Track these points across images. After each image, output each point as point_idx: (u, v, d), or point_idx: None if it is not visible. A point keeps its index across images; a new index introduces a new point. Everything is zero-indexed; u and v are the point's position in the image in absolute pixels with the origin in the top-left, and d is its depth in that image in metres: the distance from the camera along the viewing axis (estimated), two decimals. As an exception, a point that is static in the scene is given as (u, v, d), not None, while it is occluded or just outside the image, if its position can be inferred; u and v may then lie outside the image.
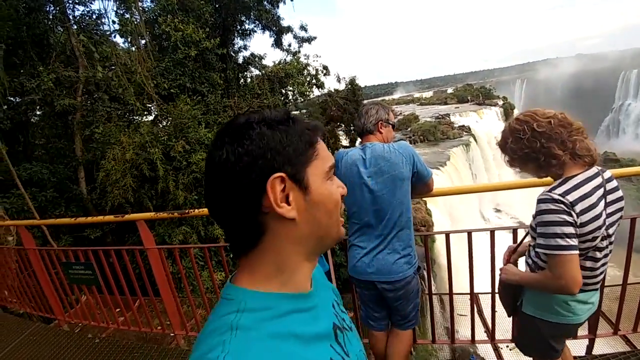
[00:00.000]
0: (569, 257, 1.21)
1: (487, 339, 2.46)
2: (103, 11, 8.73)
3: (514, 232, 2.13)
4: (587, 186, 1.26)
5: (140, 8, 9.80)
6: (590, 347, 2.22)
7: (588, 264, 1.33)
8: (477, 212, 25.61)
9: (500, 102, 48.85)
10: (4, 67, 7.06)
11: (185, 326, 2.88)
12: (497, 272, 2.03)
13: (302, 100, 13.46)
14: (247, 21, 12.18)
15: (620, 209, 1.34)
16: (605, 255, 1.35)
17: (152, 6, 10.66)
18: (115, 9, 8.76)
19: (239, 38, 12.42)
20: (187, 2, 10.25)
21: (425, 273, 2.47)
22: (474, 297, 2.49)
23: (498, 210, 28.42)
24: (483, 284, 2.41)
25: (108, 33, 9.03)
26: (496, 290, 1.90)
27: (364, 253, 1.82)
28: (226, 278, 0.59)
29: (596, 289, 1.40)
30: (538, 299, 1.44)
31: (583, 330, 2.05)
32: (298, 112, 15.81)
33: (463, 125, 37.41)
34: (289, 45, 12.90)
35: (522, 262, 1.61)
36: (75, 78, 8.16)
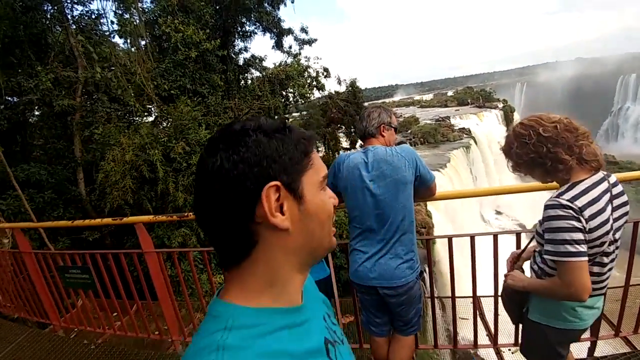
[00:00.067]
0: (578, 264, 1.19)
1: (489, 343, 2.43)
2: (102, 11, 8.64)
3: (517, 236, 2.11)
4: (595, 191, 1.24)
5: (140, 9, 9.80)
6: (592, 349, 2.20)
7: (595, 269, 1.31)
8: (477, 214, 25.61)
9: (501, 105, 48.95)
10: (1, 66, 7.02)
11: (183, 331, 2.84)
12: (500, 277, 2.01)
13: (303, 102, 13.48)
14: (247, 23, 12.21)
15: (626, 214, 1.33)
16: (612, 260, 1.33)
17: (152, 7, 10.68)
18: (114, 9, 8.74)
19: (239, 40, 12.45)
20: (187, 3, 10.25)
21: (427, 277, 2.45)
22: (476, 301, 2.46)
23: (499, 213, 28.42)
24: (484, 287, 2.39)
25: (107, 33, 9.00)
26: (499, 294, 1.88)
27: (365, 258, 1.79)
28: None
29: (602, 294, 1.39)
30: (545, 306, 1.42)
31: (585, 333, 2.03)
32: (299, 113, 15.82)
33: (463, 128, 37.49)
34: (290, 47, 12.94)
35: (526, 267, 1.59)
36: (75, 78, 8.12)
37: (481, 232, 2.33)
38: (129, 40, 9.05)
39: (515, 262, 1.61)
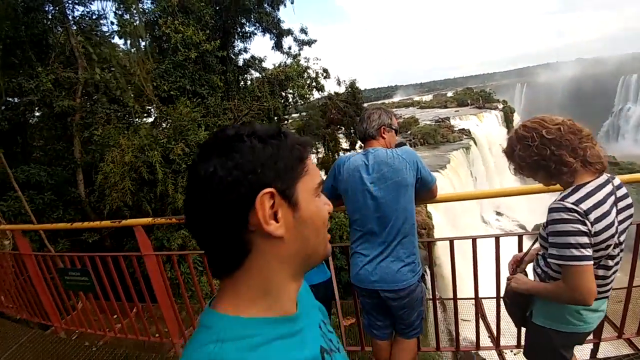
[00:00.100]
0: (584, 268, 1.18)
1: (491, 345, 2.42)
2: (102, 12, 8.62)
3: (519, 238, 2.10)
4: (600, 194, 1.22)
5: (141, 9, 9.80)
6: (594, 351, 2.19)
7: (600, 272, 1.30)
8: (477, 215, 25.59)
9: (500, 106, 48.97)
10: (2, 67, 7.01)
11: (183, 334, 2.83)
12: (502, 278, 2.00)
13: (302, 103, 13.47)
14: (247, 24, 12.20)
15: (631, 216, 1.32)
16: (617, 263, 1.32)
17: (153, 8, 10.67)
18: (114, 10, 8.72)
19: (239, 40, 12.44)
20: (187, 4, 10.25)
21: (428, 279, 2.43)
22: (479, 303, 2.45)
23: (499, 214, 28.41)
24: (485, 289, 2.38)
25: (108, 34, 8.99)
26: (502, 297, 1.87)
27: (366, 261, 1.78)
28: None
29: (607, 297, 1.38)
30: (549, 309, 1.41)
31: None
32: (298, 114, 15.82)
33: (463, 129, 37.53)
34: (289, 48, 12.93)
35: (529, 270, 1.57)
36: (75, 79, 8.11)
37: (482, 233, 2.33)
38: (128, 42, 9.04)
39: (517, 265, 1.60)
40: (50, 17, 8.30)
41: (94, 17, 8.76)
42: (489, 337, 2.58)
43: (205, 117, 9.63)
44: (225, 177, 0.50)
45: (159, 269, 2.64)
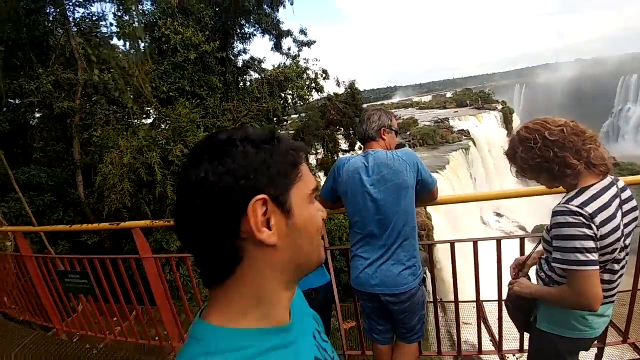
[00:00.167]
0: (590, 273, 1.16)
1: (494, 349, 2.40)
2: (102, 13, 8.64)
3: (521, 241, 2.08)
4: (605, 196, 1.20)
5: (140, 11, 9.80)
6: (599, 356, 2.16)
7: (606, 276, 1.28)
8: (478, 217, 25.56)
9: (500, 107, 48.95)
10: (3, 69, 7.02)
11: (183, 337, 2.81)
12: (504, 281, 1.98)
13: (302, 104, 13.47)
14: (247, 25, 12.20)
15: (636, 219, 1.30)
16: (623, 267, 1.30)
17: (153, 9, 10.67)
18: (114, 11, 8.73)
19: (238, 42, 12.45)
20: (187, 6, 10.25)
21: (429, 281, 2.41)
22: (481, 306, 2.43)
23: (499, 215, 28.37)
24: (486, 292, 2.36)
25: (107, 36, 8.99)
26: (504, 301, 1.84)
27: (367, 264, 1.76)
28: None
29: (613, 302, 1.36)
30: (554, 315, 1.38)
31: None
32: (297, 115, 15.81)
33: (462, 130, 37.52)
34: (289, 49, 12.94)
35: (532, 274, 1.55)
36: (75, 81, 8.12)
37: (482, 234, 2.32)
38: (128, 43, 9.04)
39: (520, 269, 1.57)
40: (51, 19, 8.34)
41: (94, 18, 8.78)
42: (491, 341, 2.56)
43: (205, 119, 9.61)
44: (216, 182, 0.48)
45: (158, 272, 2.63)
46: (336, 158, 14.16)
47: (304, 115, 14.83)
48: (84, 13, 8.69)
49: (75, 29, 8.42)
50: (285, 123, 14.88)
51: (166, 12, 10.12)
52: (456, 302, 2.33)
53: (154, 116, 9.91)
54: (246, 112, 11.04)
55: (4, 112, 7.98)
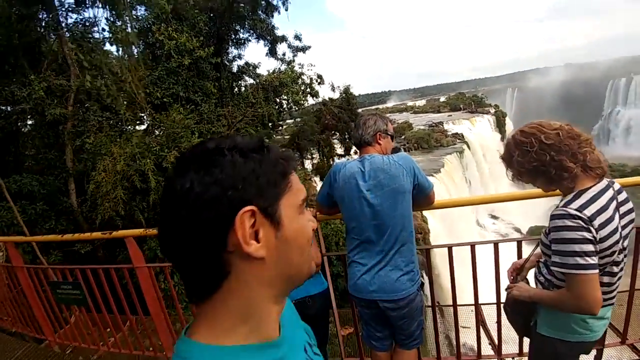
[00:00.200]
0: (589, 277, 1.16)
1: (493, 353, 2.39)
2: (94, 19, 8.59)
3: (519, 244, 2.08)
4: (602, 199, 1.21)
5: (134, 16, 9.77)
6: (598, 357, 2.16)
7: (605, 279, 1.28)
8: (473, 219, 25.65)
9: (492, 110, 49.38)
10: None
11: (177, 347, 2.76)
12: (502, 284, 1.98)
13: (297, 109, 13.48)
14: (241, 30, 12.22)
15: (632, 221, 1.30)
16: (621, 269, 1.31)
17: (146, 15, 10.63)
18: (107, 16, 8.69)
19: (233, 47, 12.45)
20: (181, 11, 10.24)
21: (426, 284, 2.40)
22: (479, 309, 2.42)
23: (494, 217, 28.52)
24: (483, 295, 2.35)
25: (100, 41, 8.94)
26: (502, 305, 1.83)
27: (364, 270, 1.74)
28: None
29: (612, 304, 1.36)
30: (554, 319, 1.38)
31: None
32: (293, 120, 15.81)
33: (456, 133, 37.78)
34: (284, 54, 12.96)
35: (530, 277, 1.54)
36: (67, 87, 8.04)
37: (477, 236, 2.32)
38: (120, 48, 8.99)
39: (518, 272, 1.56)
40: (43, 24, 8.27)
41: (86, 24, 8.73)
42: (490, 344, 2.55)
43: (199, 124, 9.57)
44: (202, 193, 0.46)
45: (152, 281, 2.58)
46: (332, 162, 14.17)
47: (299, 120, 14.85)
48: (76, 18, 8.65)
49: (68, 35, 8.37)
50: (280, 128, 14.88)
51: (160, 18, 10.09)
52: (454, 305, 2.31)
53: (148, 122, 9.84)
54: (241, 118, 11.01)
55: (-5, 119, 7.90)
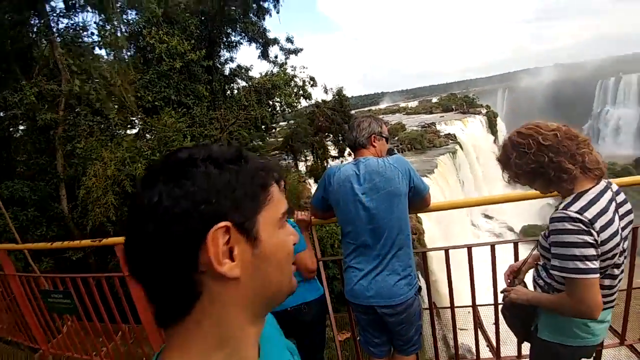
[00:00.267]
0: (590, 282, 1.13)
1: (492, 356, 2.37)
2: (83, 23, 8.51)
3: (515, 245, 2.07)
4: (602, 201, 1.19)
5: (125, 20, 9.69)
6: (597, 359, 2.15)
7: (606, 282, 1.26)
8: (467, 219, 25.80)
9: (484, 111, 49.76)
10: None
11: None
12: (499, 285, 1.96)
13: (290, 111, 13.45)
14: (233, 33, 12.19)
15: (631, 222, 1.29)
16: (622, 271, 1.29)
17: (137, 18, 10.55)
18: (96, 20, 8.60)
19: (225, 50, 12.41)
20: (172, 14, 10.18)
21: (424, 288, 2.37)
22: (476, 311, 2.40)
23: (488, 217, 28.71)
24: (480, 297, 2.33)
25: (90, 45, 8.85)
26: (500, 310, 1.82)
27: (361, 275, 1.71)
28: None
29: (612, 306, 1.34)
30: (555, 323, 1.35)
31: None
32: (286, 122, 15.78)
33: (449, 134, 38.01)
34: (276, 57, 12.95)
35: (528, 281, 1.52)
36: (58, 92, 7.95)
37: (471, 235, 2.30)
38: (111, 52, 8.91)
39: (515, 275, 1.54)
40: (35, 30, 8.21)
41: (77, 28, 8.65)
42: (488, 346, 2.53)
43: (191, 128, 9.51)
44: (171, 207, 0.42)
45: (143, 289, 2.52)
46: (326, 164, 14.16)
47: (292, 122, 14.84)
48: (67, 23, 8.58)
49: (59, 40, 8.28)
50: (273, 130, 14.84)
51: (151, 21, 10.01)
52: (452, 307, 2.29)
53: (139, 126, 9.75)
54: (234, 121, 10.96)
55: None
